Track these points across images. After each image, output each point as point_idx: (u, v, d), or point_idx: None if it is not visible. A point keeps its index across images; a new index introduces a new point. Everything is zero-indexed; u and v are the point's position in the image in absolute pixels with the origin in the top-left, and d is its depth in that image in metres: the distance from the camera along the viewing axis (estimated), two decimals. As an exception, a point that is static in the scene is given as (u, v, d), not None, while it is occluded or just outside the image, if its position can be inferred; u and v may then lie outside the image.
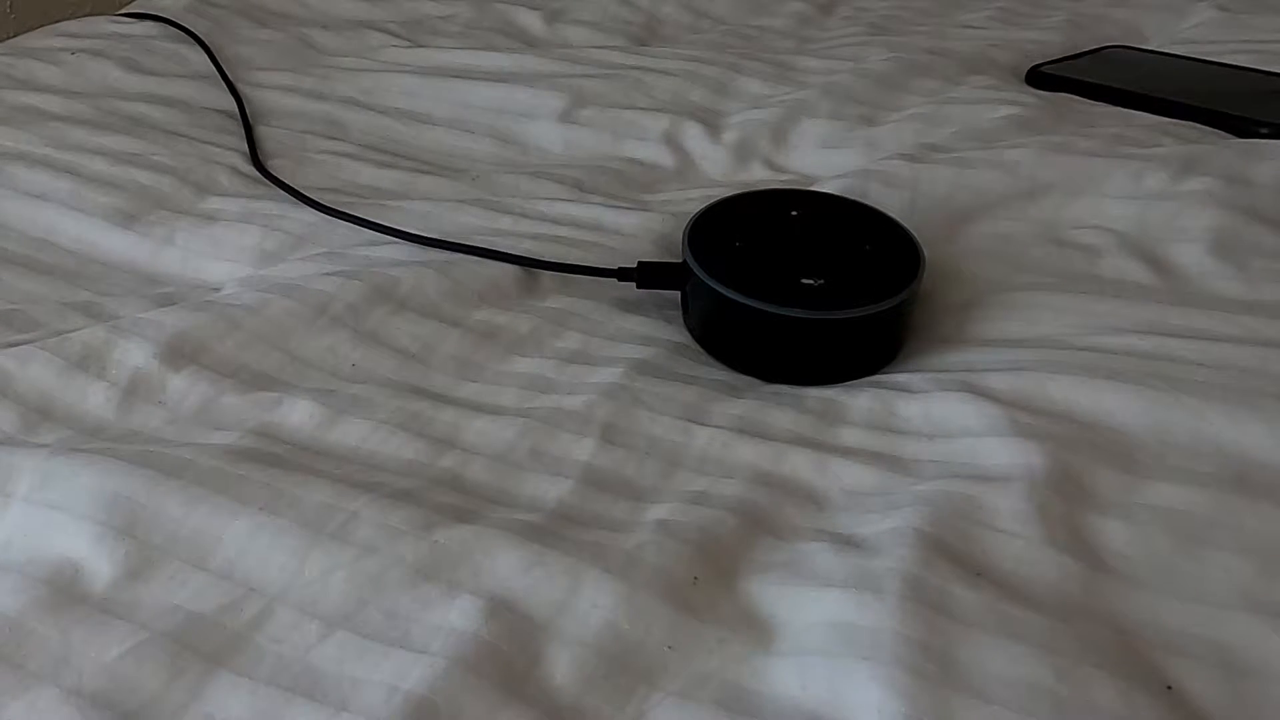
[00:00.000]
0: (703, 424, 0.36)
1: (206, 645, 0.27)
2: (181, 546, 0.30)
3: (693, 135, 0.58)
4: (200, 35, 0.71)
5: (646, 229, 0.48)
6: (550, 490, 0.33)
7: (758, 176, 0.56)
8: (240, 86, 0.64)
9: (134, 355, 0.37)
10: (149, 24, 0.73)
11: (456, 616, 0.28)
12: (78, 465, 0.31)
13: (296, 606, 0.28)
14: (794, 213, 0.43)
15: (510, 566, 0.29)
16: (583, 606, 0.28)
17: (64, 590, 0.29)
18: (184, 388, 0.37)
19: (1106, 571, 0.30)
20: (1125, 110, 0.60)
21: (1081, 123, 0.57)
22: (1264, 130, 0.56)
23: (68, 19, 0.76)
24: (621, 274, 0.43)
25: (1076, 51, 0.71)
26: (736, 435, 0.35)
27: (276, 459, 0.33)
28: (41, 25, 0.75)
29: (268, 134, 0.59)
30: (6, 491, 0.31)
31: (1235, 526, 0.31)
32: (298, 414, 0.36)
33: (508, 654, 0.27)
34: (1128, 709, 0.25)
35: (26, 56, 0.66)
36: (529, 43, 0.75)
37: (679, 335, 0.42)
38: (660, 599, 0.28)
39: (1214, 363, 0.37)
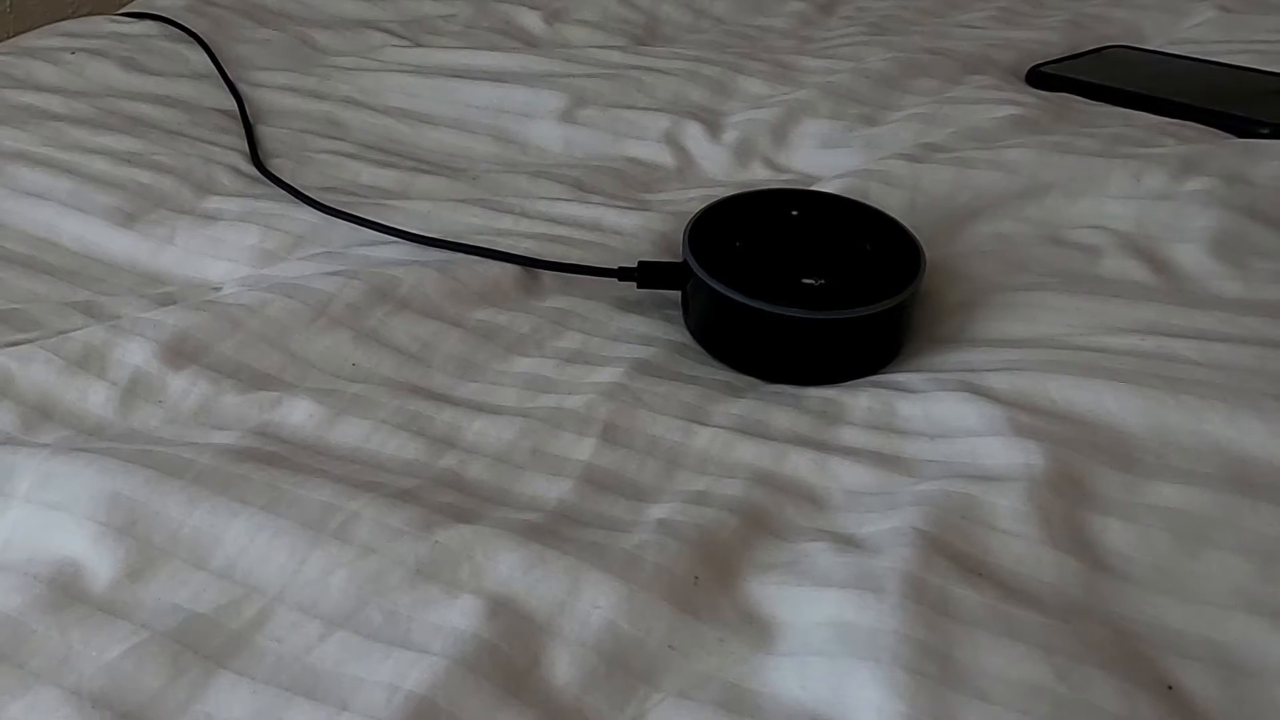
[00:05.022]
0: (703, 424, 0.36)
1: (206, 645, 0.27)
2: (181, 546, 0.30)
3: (693, 135, 0.58)
4: (200, 35, 0.71)
5: (646, 229, 0.48)
6: (550, 490, 0.33)
7: (758, 176, 0.56)
8: (240, 86, 0.64)
9: (134, 355, 0.37)
10: (149, 24, 0.73)
11: (457, 616, 0.28)
12: (78, 465, 0.31)
13: (296, 606, 0.28)
14: (794, 213, 0.43)
15: (510, 566, 0.29)
16: (583, 606, 0.28)
17: (64, 590, 0.29)
18: (184, 388, 0.37)
19: (1107, 571, 0.30)
20: (1125, 110, 0.60)
21: (1081, 123, 0.57)
22: (1264, 130, 0.56)
23: (68, 19, 0.76)
24: (622, 274, 0.43)
25: (1076, 51, 0.71)
26: (737, 435, 0.35)
27: (276, 459, 0.33)
28: (41, 25, 0.75)
29: (268, 134, 0.59)
30: (6, 491, 0.31)
31: (1235, 526, 0.31)
32: (298, 414, 0.36)
33: (508, 654, 0.27)
34: (1128, 709, 0.25)
35: (26, 56, 0.66)
36: (529, 43, 0.75)
37: (679, 335, 0.42)
38: (660, 599, 0.28)
39: (1214, 363, 0.37)
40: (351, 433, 0.35)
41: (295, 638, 0.27)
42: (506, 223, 0.49)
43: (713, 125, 0.59)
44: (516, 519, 0.31)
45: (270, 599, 0.28)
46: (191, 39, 0.70)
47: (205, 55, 0.68)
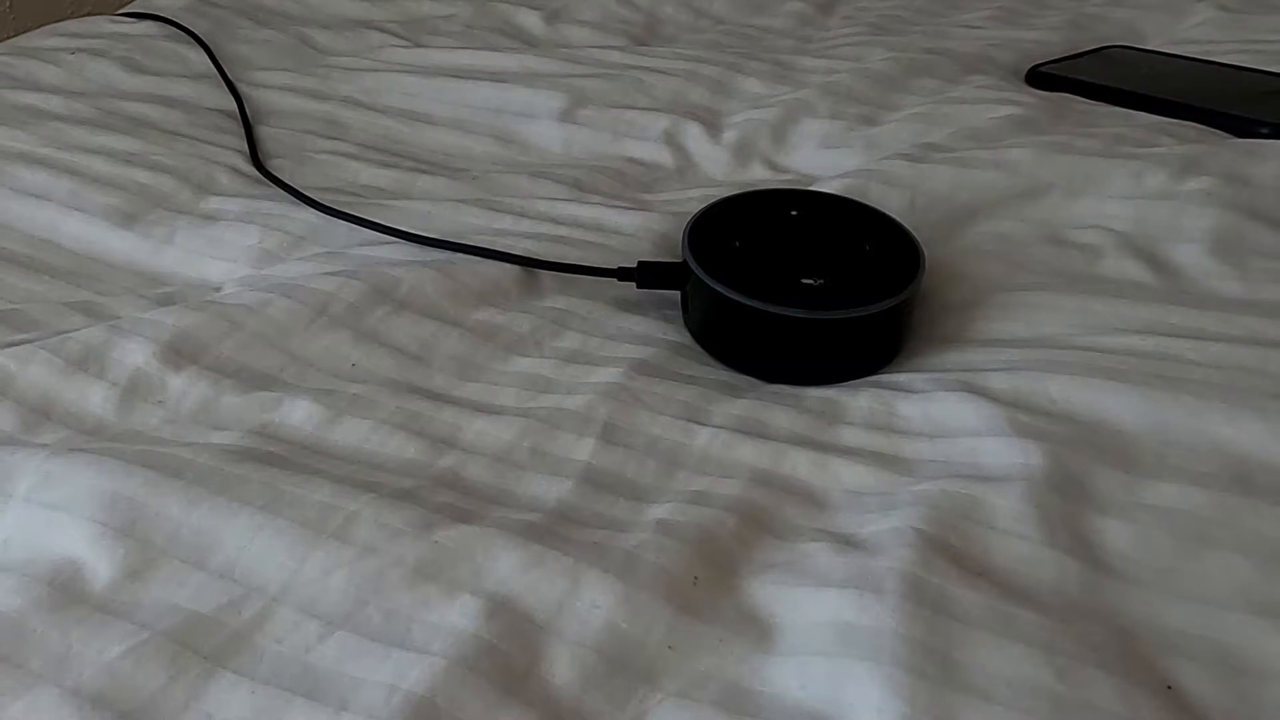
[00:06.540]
0: (703, 424, 0.36)
1: (206, 645, 0.27)
2: (181, 546, 0.30)
3: (693, 135, 0.58)
4: (200, 35, 0.71)
5: (646, 229, 0.48)
6: (550, 490, 0.33)
7: (758, 176, 0.56)
8: (240, 86, 0.64)
9: (134, 355, 0.37)
10: (149, 24, 0.73)
11: (456, 616, 0.28)
12: (78, 465, 0.31)
13: (296, 606, 0.28)
14: (794, 213, 0.43)
15: (510, 566, 0.29)
16: (583, 606, 0.28)
17: (64, 590, 0.29)
18: (184, 388, 0.37)
19: (1107, 571, 0.30)
20: (1125, 110, 0.60)
21: (1081, 123, 0.57)
22: (1264, 130, 0.56)
23: (68, 19, 0.76)
24: (621, 274, 0.43)
25: (1076, 51, 0.71)
26: (736, 435, 0.35)
27: (276, 459, 0.33)
28: (41, 25, 0.75)
29: (268, 134, 0.59)
30: (6, 491, 0.31)
31: (1235, 526, 0.31)
32: (298, 414, 0.36)
33: (508, 654, 0.27)
34: (1128, 709, 0.25)
35: (26, 56, 0.66)
36: (529, 43, 0.75)
37: (679, 335, 0.42)
38: (660, 599, 0.28)
39: (1214, 363, 0.37)
40: (351, 433, 0.35)
41: (295, 638, 0.27)
42: (506, 223, 0.49)
43: (712, 125, 0.59)
44: (516, 519, 0.31)
45: (270, 599, 0.28)
46: (191, 39, 0.70)
47: (205, 55, 0.68)
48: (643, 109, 0.60)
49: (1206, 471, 0.32)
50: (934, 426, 0.36)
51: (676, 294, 0.44)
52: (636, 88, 0.63)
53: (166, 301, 0.43)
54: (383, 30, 0.75)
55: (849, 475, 0.34)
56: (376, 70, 0.66)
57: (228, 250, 0.47)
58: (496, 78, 0.64)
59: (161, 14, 0.74)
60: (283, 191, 0.51)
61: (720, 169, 0.57)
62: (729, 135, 0.58)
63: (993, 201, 0.50)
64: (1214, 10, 0.78)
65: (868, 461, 0.34)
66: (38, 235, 0.49)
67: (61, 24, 0.74)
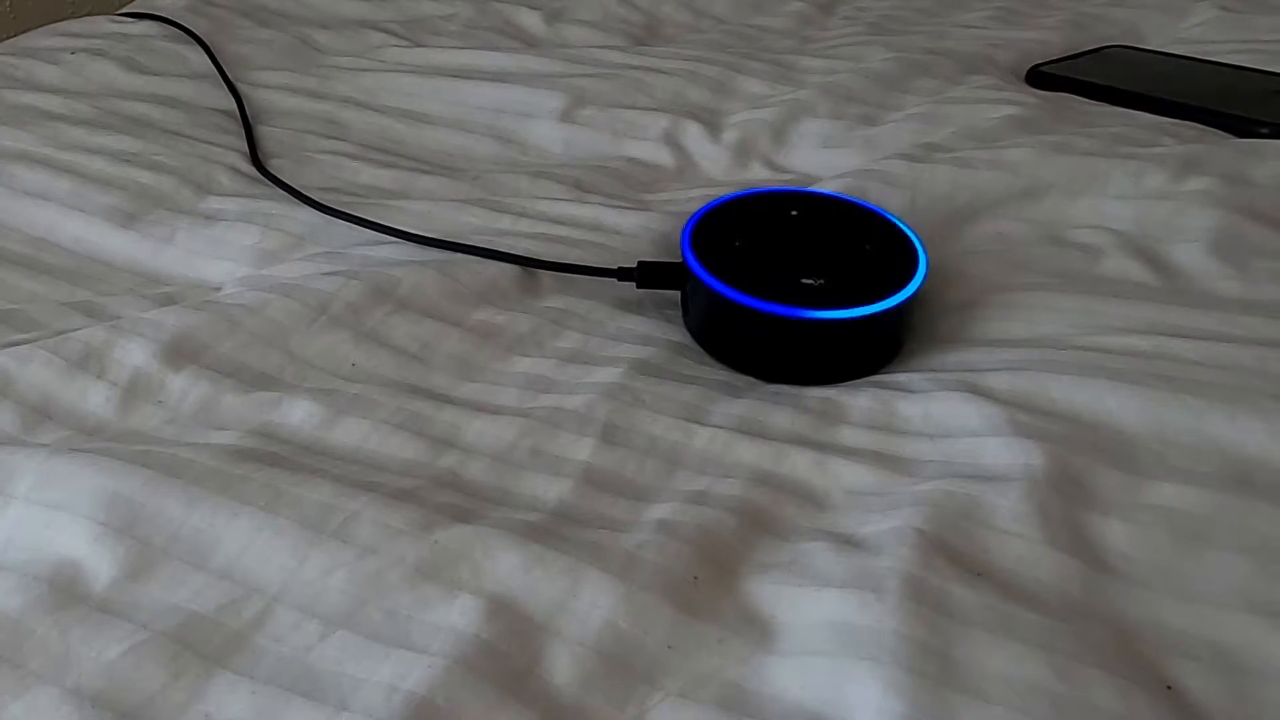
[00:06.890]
0: (703, 424, 0.36)
1: (206, 645, 0.27)
2: (181, 546, 0.30)
3: (693, 135, 0.58)
4: (200, 35, 0.71)
5: (646, 229, 0.48)
6: (550, 490, 0.33)
7: (758, 176, 0.56)
8: (240, 86, 0.64)
9: (134, 355, 0.37)
10: (149, 24, 0.73)
11: (456, 616, 0.28)
12: (78, 465, 0.31)
13: (296, 606, 0.28)
14: (794, 213, 0.43)
15: (510, 566, 0.29)
16: (583, 606, 0.28)
17: (64, 590, 0.29)
18: (184, 388, 0.37)
19: (1107, 571, 0.30)
20: (1125, 110, 0.60)
21: (1081, 123, 0.57)
22: (1264, 130, 0.56)
23: (68, 19, 0.76)
24: (621, 274, 0.43)
25: (1076, 51, 0.71)
26: (736, 435, 0.35)
27: (276, 459, 0.33)
28: (41, 25, 0.75)
29: (268, 134, 0.59)
30: (6, 491, 0.31)
31: (1235, 526, 0.31)
32: (298, 414, 0.36)
33: (508, 654, 0.27)
34: (1128, 709, 0.25)
35: (26, 56, 0.66)
36: (529, 43, 0.75)
37: (679, 335, 0.42)
38: (660, 599, 0.28)
39: (1214, 363, 0.37)
40: (351, 433, 0.35)
41: (295, 638, 0.27)
42: (506, 223, 0.49)
43: (712, 125, 0.59)
44: (516, 519, 0.31)
45: (270, 599, 0.28)
46: (191, 39, 0.70)
47: (205, 55, 0.68)
48: (643, 109, 0.60)
49: (1206, 471, 0.32)
50: (934, 426, 0.36)
51: (676, 294, 0.44)
52: (636, 88, 0.63)
53: (166, 301, 0.43)
54: (383, 30, 0.75)
55: (849, 475, 0.34)
56: (376, 70, 0.66)
57: (228, 250, 0.47)
58: (496, 78, 0.64)
59: (161, 14, 0.74)
60: (283, 191, 0.51)
61: (720, 169, 0.57)
62: (729, 135, 0.58)
63: (993, 201, 0.50)
64: (1214, 10, 0.78)
65: (868, 461, 0.34)
66: (38, 235, 0.49)
67: (61, 24, 0.74)
